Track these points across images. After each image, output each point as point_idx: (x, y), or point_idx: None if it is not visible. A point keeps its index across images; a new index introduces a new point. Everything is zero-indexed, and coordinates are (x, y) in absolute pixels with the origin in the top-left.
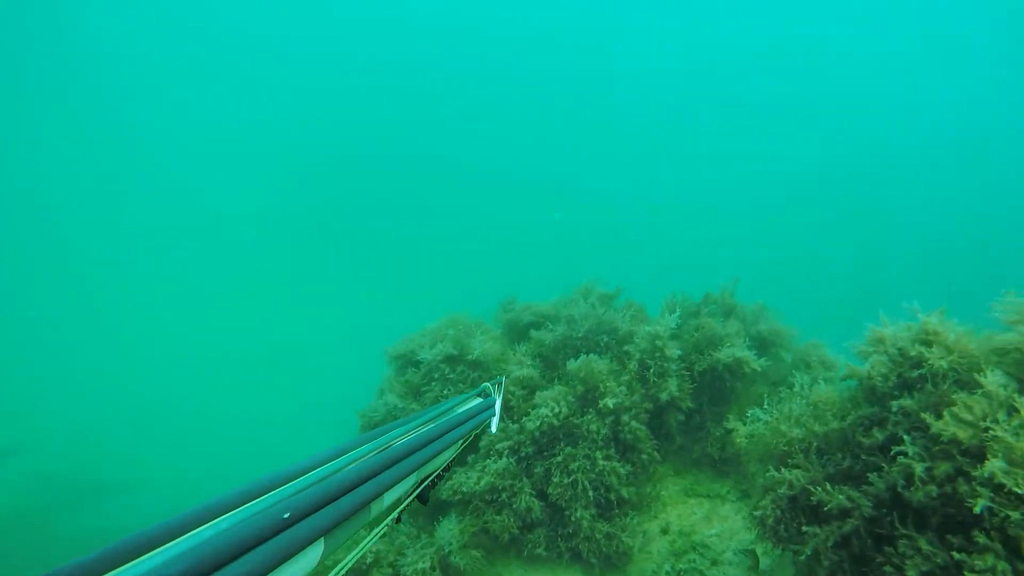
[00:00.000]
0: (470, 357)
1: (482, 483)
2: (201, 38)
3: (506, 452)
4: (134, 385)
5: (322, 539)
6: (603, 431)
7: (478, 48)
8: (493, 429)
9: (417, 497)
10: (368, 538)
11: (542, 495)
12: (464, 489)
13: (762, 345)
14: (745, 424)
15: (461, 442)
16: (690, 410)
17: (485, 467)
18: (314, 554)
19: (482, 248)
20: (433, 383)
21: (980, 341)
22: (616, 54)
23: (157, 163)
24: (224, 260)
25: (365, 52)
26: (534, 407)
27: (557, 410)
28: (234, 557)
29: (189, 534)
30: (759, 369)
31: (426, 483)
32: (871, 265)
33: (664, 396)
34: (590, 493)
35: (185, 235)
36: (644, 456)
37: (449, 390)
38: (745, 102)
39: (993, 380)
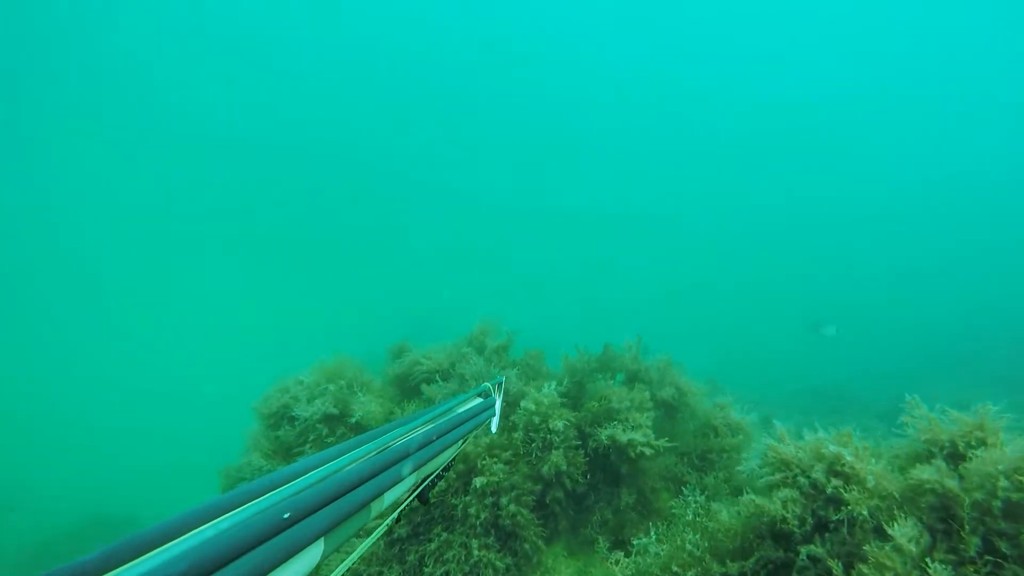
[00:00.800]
0: (351, 419)
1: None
2: (201, 36)
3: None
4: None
5: (322, 539)
6: (483, 515)
7: (440, 66)
8: (493, 429)
9: (417, 497)
10: (370, 538)
11: None
12: (323, 574)
13: (668, 411)
14: (629, 555)
15: (461, 442)
16: (581, 489)
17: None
18: (314, 554)
19: (421, 262)
20: (308, 445)
21: (896, 475)
22: (582, 80)
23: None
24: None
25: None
26: None
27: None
28: (234, 557)
29: (189, 534)
30: (648, 453)
31: (426, 483)
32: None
33: (545, 470)
34: None
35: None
36: (527, 545)
37: None
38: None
39: (902, 533)
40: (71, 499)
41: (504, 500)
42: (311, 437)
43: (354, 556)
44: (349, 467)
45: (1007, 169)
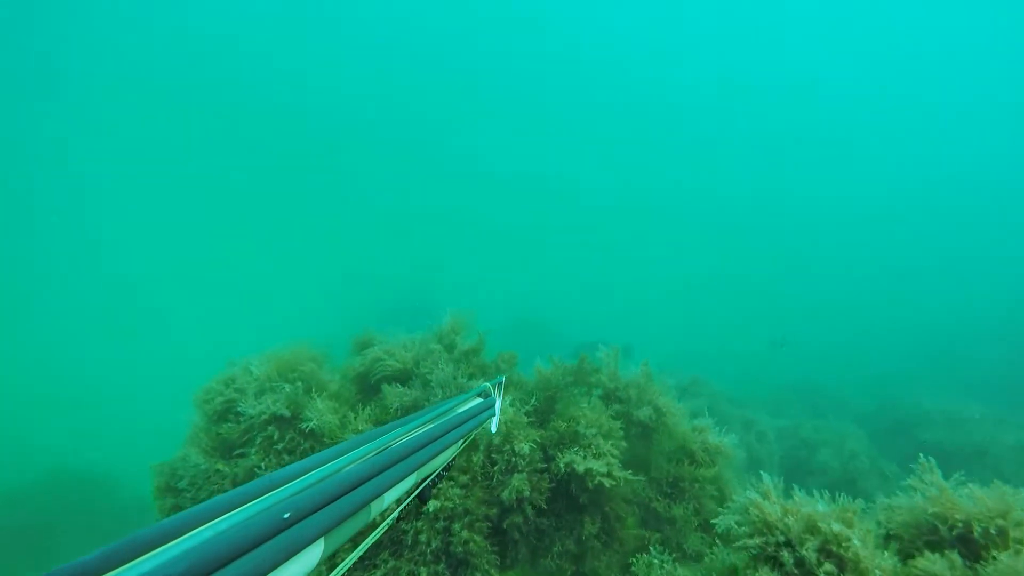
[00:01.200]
0: (304, 426)
1: None
2: None
3: None
4: None
5: (322, 539)
6: (434, 542)
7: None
8: (493, 429)
9: (417, 497)
10: (370, 537)
11: None
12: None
13: (645, 432)
14: None
15: (461, 442)
16: (544, 522)
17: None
18: (314, 554)
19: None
20: (252, 448)
21: (894, 557)
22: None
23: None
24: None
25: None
26: None
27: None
28: (234, 557)
29: (189, 534)
30: (608, 484)
31: (426, 483)
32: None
33: (506, 494)
34: None
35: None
36: (478, 574)
37: (270, 462)
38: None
39: None
40: (38, 452)
41: (457, 526)
42: (258, 439)
43: (355, 555)
44: (349, 467)
45: (1004, 170)
